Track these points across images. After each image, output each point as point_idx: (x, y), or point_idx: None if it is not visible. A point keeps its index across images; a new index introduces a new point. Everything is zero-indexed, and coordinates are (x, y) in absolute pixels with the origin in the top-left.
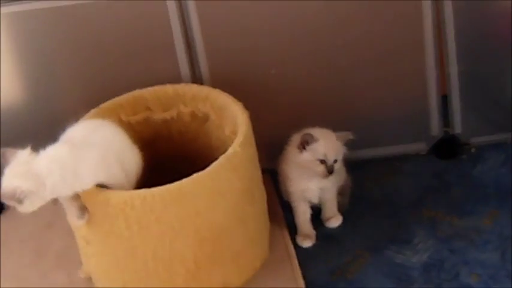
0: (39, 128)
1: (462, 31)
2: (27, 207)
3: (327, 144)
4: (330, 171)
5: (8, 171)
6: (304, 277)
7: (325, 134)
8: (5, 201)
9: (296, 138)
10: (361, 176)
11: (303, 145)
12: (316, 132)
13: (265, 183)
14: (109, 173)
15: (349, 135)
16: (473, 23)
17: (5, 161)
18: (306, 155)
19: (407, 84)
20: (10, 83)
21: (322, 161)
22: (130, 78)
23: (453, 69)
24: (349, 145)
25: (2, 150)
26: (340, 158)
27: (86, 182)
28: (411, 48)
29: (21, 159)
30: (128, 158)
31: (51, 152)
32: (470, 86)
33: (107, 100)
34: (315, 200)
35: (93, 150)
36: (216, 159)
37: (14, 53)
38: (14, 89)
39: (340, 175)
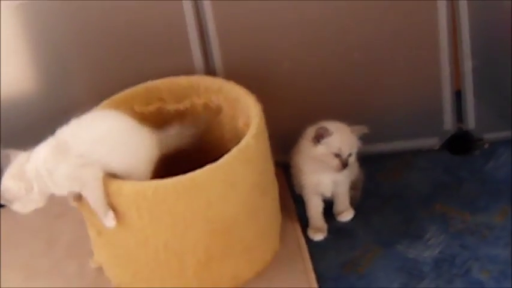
0: (52, 119)
1: (477, 27)
2: (19, 208)
3: (342, 138)
4: (344, 164)
5: (6, 173)
6: (315, 270)
7: (340, 128)
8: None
9: (310, 132)
10: (374, 170)
11: (318, 138)
12: (331, 125)
13: (277, 176)
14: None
15: (364, 129)
16: (488, 18)
17: (7, 162)
18: (321, 149)
19: (421, 80)
20: (23, 73)
21: (337, 155)
22: (144, 69)
23: (467, 65)
24: (363, 139)
25: (3, 151)
26: (354, 151)
27: (61, 187)
28: (426, 43)
29: (19, 161)
30: (134, 145)
31: (36, 154)
32: (484, 81)
33: (120, 91)
34: (328, 194)
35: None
36: (228, 151)
37: (28, 43)
38: (27, 79)
39: (353, 169)
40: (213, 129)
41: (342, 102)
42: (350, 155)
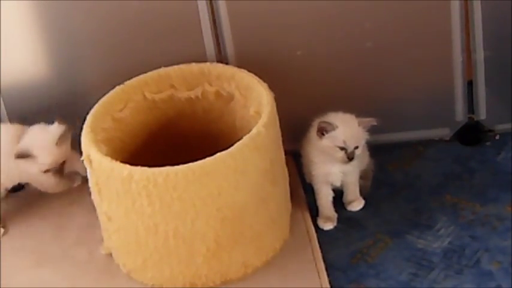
0: (64, 103)
1: (489, 17)
2: None
3: (347, 131)
4: (350, 157)
5: None
6: (324, 260)
7: (346, 120)
8: None
9: (317, 124)
10: (384, 160)
11: (321, 132)
12: (338, 118)
13: (288, 164)
14: None
15: (372, 122)
16: (501, 8)
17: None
18: (325, 142)
19: (433, 70)
20: (36, 58)
21: (342, 148)
22: (156, 56)
23: (479, 55)
24: (373, 129)
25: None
26: (361, 144)
27: None
28: (438, 33)
29: None
30: None
31: None
32: (496, 72)
33: (132, 77)
34: (338, 184)
35: None
36: (239, 139)
37: (40, 29)
38: (39, 64)
39: (363, 159)
40: (224, 116)
41: (354, 92)
42: (357, 147)
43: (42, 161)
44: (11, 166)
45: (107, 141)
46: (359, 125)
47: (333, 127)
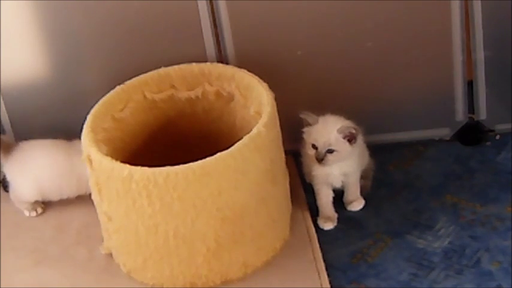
0: (64, 103)
1: (489, 17)
2: None
3: (320, 131)
4: (318, 159)
5: None
6: (325, 260)
7: (328, 122)
8: None
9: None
10: (385, 160)
11: (304, 124)
12: (326, 118)
13: (288, 164)
14: None
15: (350, 129)
16: (501, 8)
17: None
18: (304, 135)
19: (433, 69)
20: (36, 59)
21: (314, 146)
22: (156, 56)
23: (480, 55)
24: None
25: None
26: (339, 150)
27: None
28: (438, 32)
29: None
30: None
31: None
32: (497, 72)
33: (132, 77)
34: (338, 185)
35: None
36: (240, 139)
37: (40, 29)
38: (40, 65)
39: (363, 159)
40: (224, 116)
41: (354, 92)
42: (330, 151)
43: None
44: (64, 183)
45: (107, 141)
46: (338, 132)
47: (312, 122)
